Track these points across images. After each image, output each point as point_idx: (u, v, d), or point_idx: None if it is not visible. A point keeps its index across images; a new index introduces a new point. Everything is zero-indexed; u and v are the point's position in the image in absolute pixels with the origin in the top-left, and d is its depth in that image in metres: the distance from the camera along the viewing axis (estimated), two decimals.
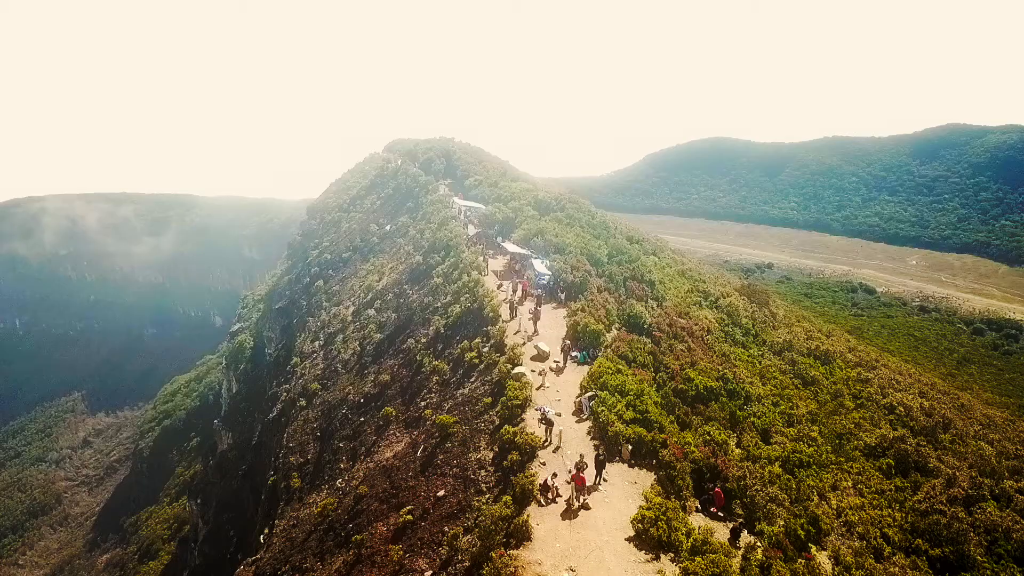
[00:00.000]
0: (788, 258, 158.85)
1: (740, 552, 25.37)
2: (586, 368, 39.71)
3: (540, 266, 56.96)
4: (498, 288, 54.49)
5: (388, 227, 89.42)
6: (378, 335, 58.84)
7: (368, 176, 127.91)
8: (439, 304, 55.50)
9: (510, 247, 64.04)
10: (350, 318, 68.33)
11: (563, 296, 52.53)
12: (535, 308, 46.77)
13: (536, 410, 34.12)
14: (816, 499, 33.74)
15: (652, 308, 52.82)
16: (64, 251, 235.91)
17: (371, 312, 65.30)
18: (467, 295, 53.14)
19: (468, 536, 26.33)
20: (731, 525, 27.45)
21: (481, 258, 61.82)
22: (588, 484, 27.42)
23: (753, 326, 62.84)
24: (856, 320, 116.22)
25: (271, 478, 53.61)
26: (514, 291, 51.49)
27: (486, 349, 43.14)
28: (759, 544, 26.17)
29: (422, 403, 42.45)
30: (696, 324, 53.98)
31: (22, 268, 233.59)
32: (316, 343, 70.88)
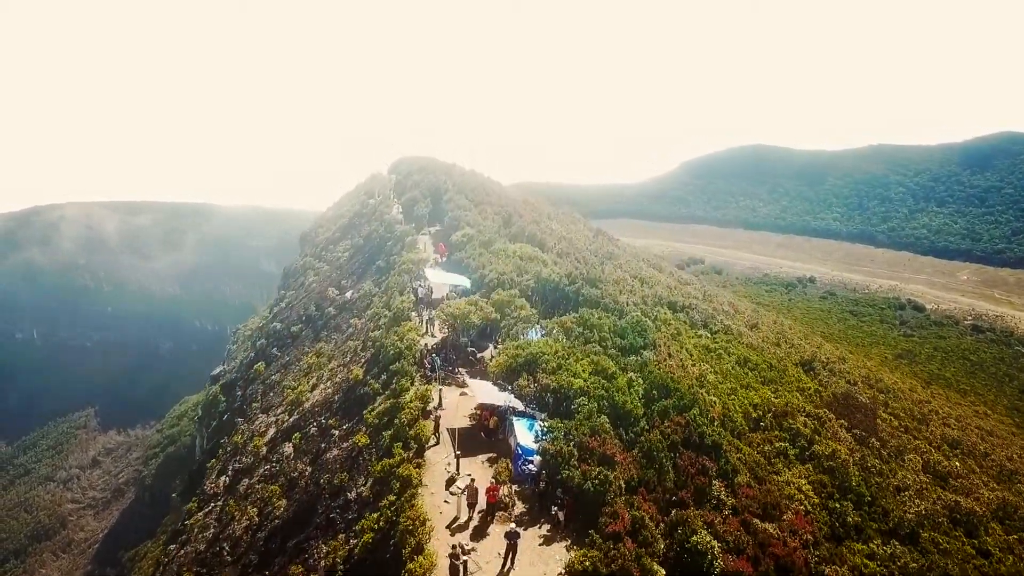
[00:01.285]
0: (830, 271, 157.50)
1: None
2: None
3: (524, 434, 34.16)
4: (454, 491, 31.17)
5: (349, 293, 74.84)
6: (279, 514, 40.56)
7: (347, 213, 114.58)
8: (352, 498, 35.56)
9: (482, 392, 37.95)
10: (264, 451, 51.51)
11: (562, 513, 28.62)
12: (509, 544, 25.73)
13: None
14: None
15: (721, 515, 29.45)
16: (82, 260, 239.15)
17: (287, 450, 47.74)
18: (388, 506, 30.66)
19: None
20: None
21: (435, 411, 38.35)
22: None
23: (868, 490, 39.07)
24: (906, 342, 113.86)
25: None
26: (471, 504, 29.33)
27: None
28: None
29: None
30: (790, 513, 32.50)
31: (40, 278, 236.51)
32: (222, 480, 54.60)
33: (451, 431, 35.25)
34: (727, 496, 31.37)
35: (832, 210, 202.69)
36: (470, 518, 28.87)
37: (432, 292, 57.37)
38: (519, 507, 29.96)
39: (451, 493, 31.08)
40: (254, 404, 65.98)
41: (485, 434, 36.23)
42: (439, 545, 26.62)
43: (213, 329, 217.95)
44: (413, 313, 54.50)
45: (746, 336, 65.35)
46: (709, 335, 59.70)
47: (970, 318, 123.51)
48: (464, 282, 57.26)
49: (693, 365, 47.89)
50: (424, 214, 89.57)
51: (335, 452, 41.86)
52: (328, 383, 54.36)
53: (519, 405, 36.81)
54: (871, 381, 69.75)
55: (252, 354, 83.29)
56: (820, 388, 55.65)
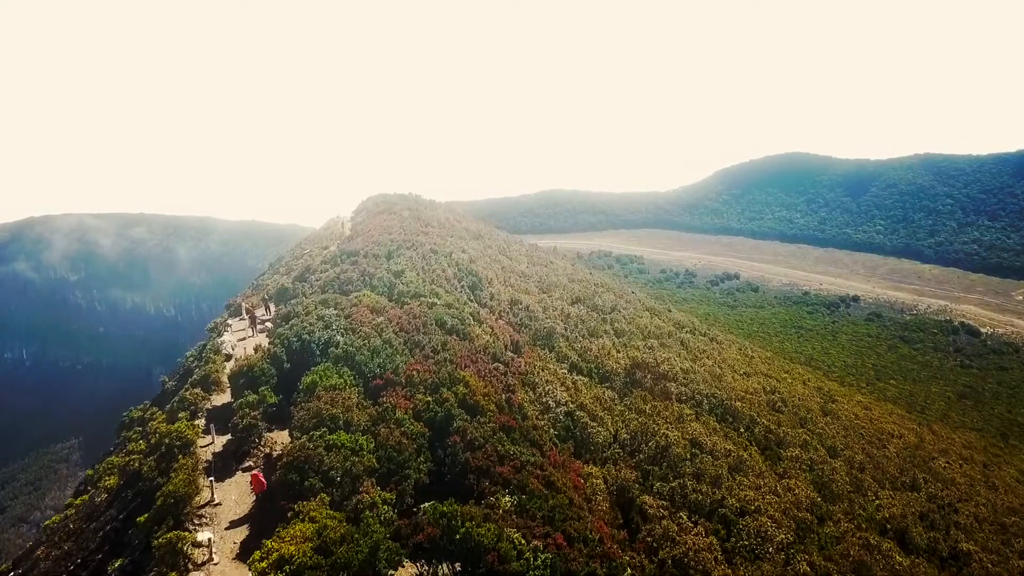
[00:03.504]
0: (875, 289, 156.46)
1: None
2: None
3: None
4: None
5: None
6: None
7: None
8: None
9: None
10: None
11: None
12: None
13: None
14: None
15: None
16: (75, 277, 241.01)
17: None
18: None
19: None
20: None
21: None
22: None
23: None
24: (965, 374, 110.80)
25: None
26: None
27: None
28: None
29: None
30: None
31: (32, 293, 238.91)
32: None
33: None
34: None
35: (875, 223, 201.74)
36: None
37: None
38: None
39: None
40: None
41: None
42: None
43: None
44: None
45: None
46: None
47: None
48: None
49: None
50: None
51: None
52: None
53: None
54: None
55: None
56: None
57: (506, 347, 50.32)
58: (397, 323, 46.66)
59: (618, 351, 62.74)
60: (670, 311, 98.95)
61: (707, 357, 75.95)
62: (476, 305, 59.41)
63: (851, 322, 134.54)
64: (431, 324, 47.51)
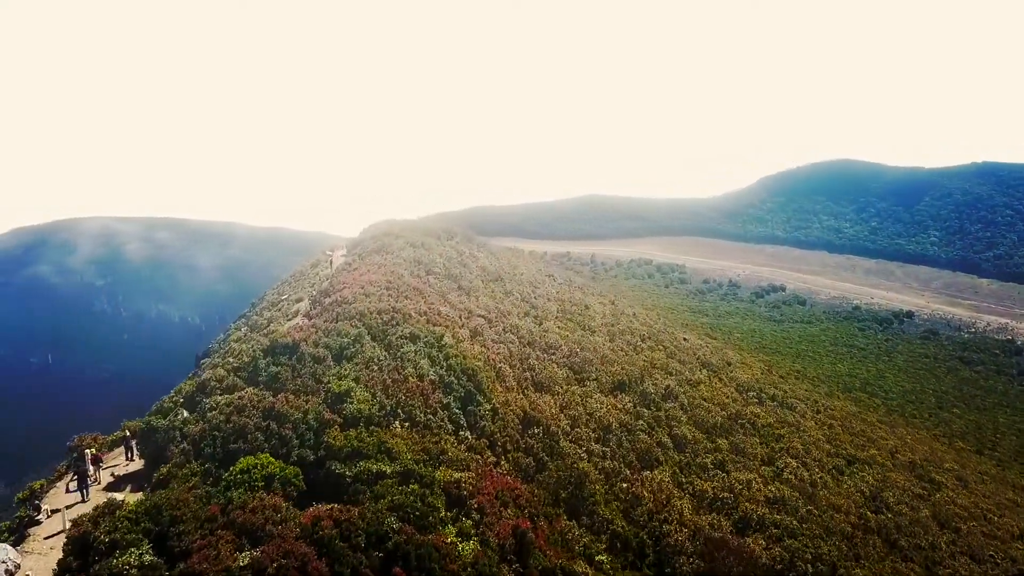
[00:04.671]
0: (929, 304, 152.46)
1: None
2: None
3: None
4: None
5: None
6: None
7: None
8: None
9: None
10: None
11: None
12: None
13: None
14: None
15: None
16: (100, 282, 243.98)
17: None
18: None
19: None
20: None
21: None
22: None
23: None
24: None
25: None
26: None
27: None
28: None
29: None
30: None
31: (57, 298, 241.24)
32: None
33: None
34: None
35: (929, 234, 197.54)
36: None
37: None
38: None
39: None
40: None
41: None
42: None
43: None
44: None
45: None
46: None
47: None
48: None
49: None
50: None
51: None
52: None
53: None
54: None
55: None
56: None
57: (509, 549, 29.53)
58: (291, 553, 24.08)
59: (682, 497, 43.49)
60: (729, 365, 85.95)
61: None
62: (463, 444, 40.53)
63: (906, 340, 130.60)
64: (362, 535, 26.33)
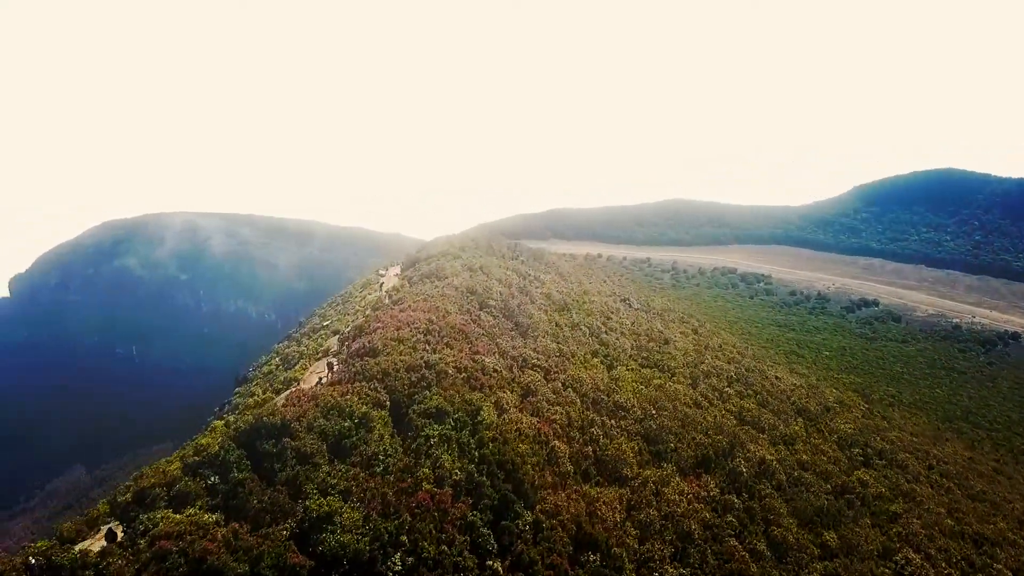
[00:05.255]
0: None
1: None
2: None
3: None
4: None
5: None
6: None
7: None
8: None
9: None
10: None
11: None
12: None
13: None
14: None
15: None
16: (184, 276, 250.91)
17: None
18: None
19: None
20: None
21: None
22: None
23: None
24: None
25: None
26: None
27: None
28: None
29: None
30: None
31: (143, 291, 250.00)
32: None
33: None
34: None
35: None
36: None
37: None
38: None
39: None
40: None
41: None
42: None
43: None
44: None
45: None
46: None
47: None
48: None
49: None
50: None
51: None
52: None
53: None
54: None
55: None
56: None
57: None
58: None
59: None
60: (828, 411, 77.94)
61: None
62: None
63: (1011, 365, 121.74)
64: None
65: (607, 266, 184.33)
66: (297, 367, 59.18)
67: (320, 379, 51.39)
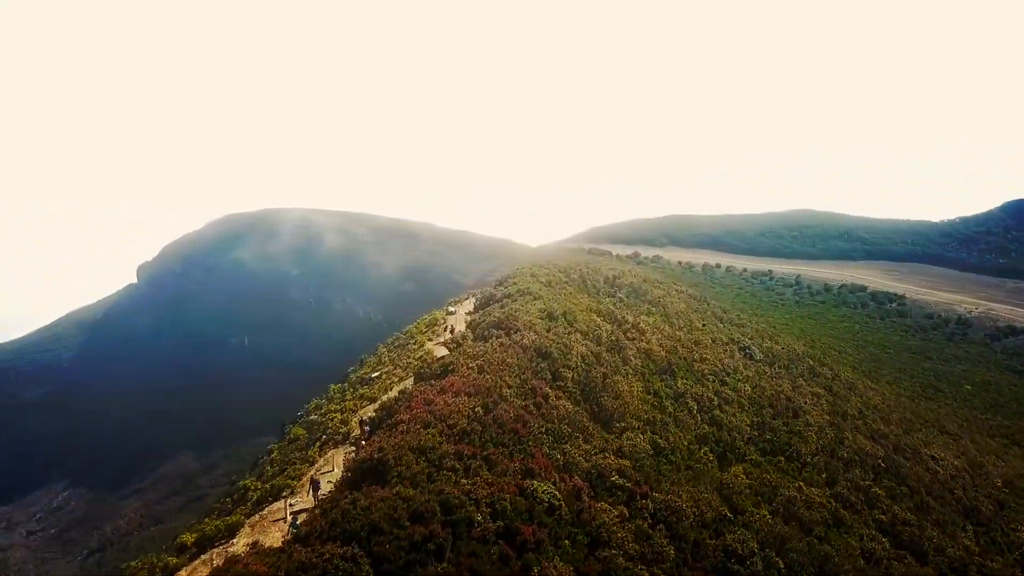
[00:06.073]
0: None
1: None
2: None
3: None
4: None
5: None
6: None
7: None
8: None
9: None
10: None
11: None
12: None
13: None
14: None
15: None
16: (296, 271, 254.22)
17: None
18: None
19: None
20: None
21: None
22: None
23: None
24: None
25: None
26: None
27: None
28: None
29: None
30: None
31: (257, 284, 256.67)
32: None
33: None
34: None
35: None
36: None
37: None
38: None
39: None
40: None
41: None
42: None
43: None
44: None
45: None
46: None
47: None
48: None
49: None
50: None
51: None
52: None
53: None
54: None
55: None
56: None
57: None
58: None
59: None
60: (1002, 509, 61.35)
61: None
62: None
63: None
64: None
65: (724, 277, 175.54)
66: (298, 464, 50.15)
67: (293, 519, 39.75)
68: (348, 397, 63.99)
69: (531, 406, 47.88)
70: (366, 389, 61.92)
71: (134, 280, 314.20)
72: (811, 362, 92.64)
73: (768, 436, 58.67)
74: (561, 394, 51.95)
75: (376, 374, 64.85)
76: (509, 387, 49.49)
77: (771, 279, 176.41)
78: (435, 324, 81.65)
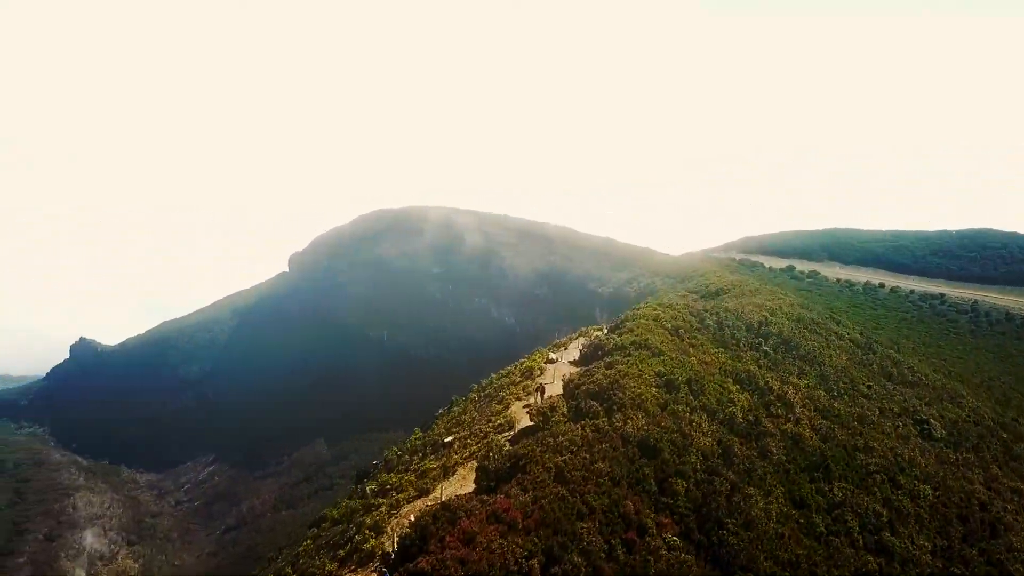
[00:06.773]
0: None
1: None
2: None
3: None
4: None
5: None
6: None
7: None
8: None
9: None
10: None
11: None
12: None
13: None
14: None
15: None
16: (437, 269, 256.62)
17: None
18: None
19: None
20: None
21: None
22: None
23: None
24: None
25: None
26: None
27: None
28: None
29: None
30: None
31: (399, 279, 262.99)
32: None
33: None
34: None
35: None
36: None
37: None
38: None
39: None
40: None
41: None
42: None
43: None
44: None
45: None
46: None
47: None
48: None
49: None
50: None
51: None
52: None
53: None
54: None
55: None
56: None
57: None
58: None
59: None
60: None
61: None
62: None
63: None
64: None
65: (888, 299, 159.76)
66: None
67: None
68: (406, 472, 52.91)
69: (618, 547, 30.21)
70: (428, 463, 50.58)
71: (285, 269, 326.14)
72: (1004, 435, 66.16)
73: (958, 573, 37.33)
74: (666, 521, 32.84)
75: (449, 438, 52.29)
76: (591, 512, 31.75)
77: (943, 303, 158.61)
78: (531, 372, 67.82)
